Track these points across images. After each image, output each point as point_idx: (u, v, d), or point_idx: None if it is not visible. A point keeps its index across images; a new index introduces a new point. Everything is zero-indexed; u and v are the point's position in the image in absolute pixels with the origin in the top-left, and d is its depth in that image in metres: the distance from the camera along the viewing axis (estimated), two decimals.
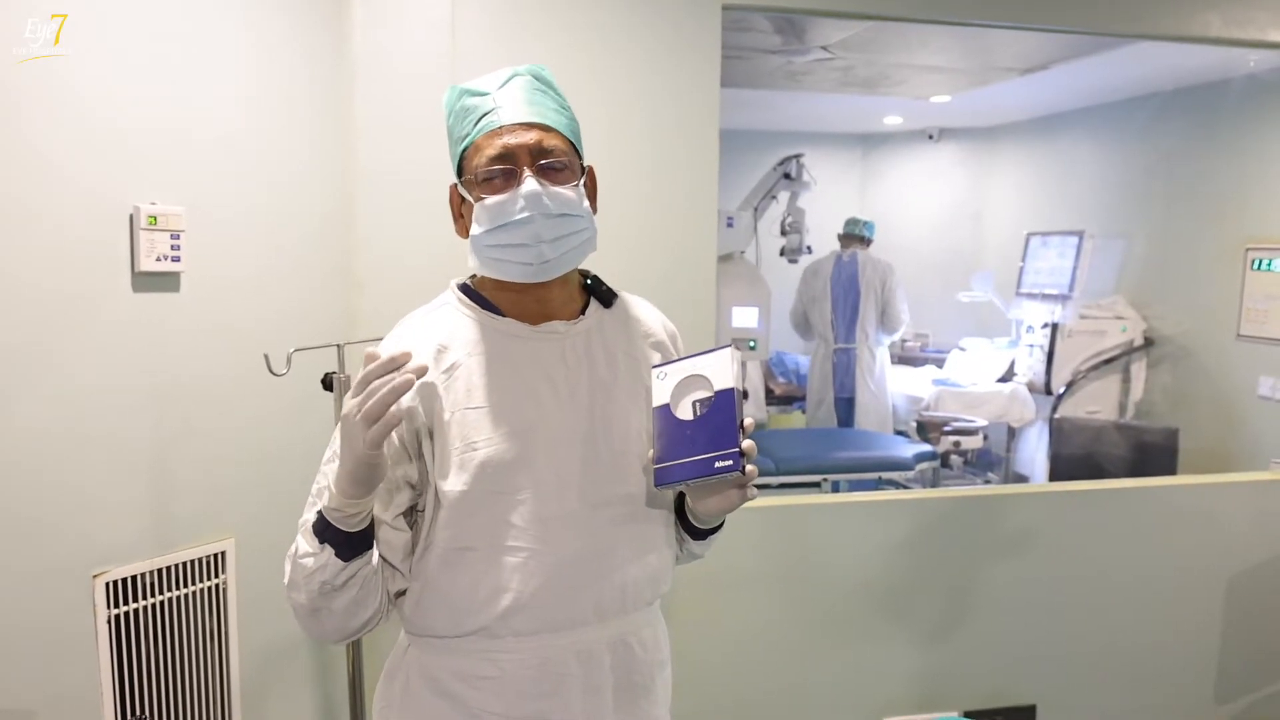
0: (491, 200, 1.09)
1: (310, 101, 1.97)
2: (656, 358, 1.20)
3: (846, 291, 4.88)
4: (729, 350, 1.09)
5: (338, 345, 1.88)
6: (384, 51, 2.04)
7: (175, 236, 1.70)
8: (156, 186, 1.68)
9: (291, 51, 1.93)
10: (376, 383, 0.96)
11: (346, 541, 1.03)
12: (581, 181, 1.13)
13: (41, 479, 1.56)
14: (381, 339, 1.16)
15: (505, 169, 1.08)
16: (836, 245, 5.05)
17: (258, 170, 1.87)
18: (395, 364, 0.97)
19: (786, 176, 4.35)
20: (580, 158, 1.15)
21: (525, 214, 1.07)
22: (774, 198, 4.40)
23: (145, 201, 1.66)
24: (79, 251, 1.59)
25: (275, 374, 1.74)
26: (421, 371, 0.99)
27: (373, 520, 1.06)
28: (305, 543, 1.05)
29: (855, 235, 5.01)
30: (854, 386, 4.87)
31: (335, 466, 1.03)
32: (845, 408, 4.89)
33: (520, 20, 2.11)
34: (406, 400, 1.01)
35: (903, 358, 5.77)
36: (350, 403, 0.98)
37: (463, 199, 1.14)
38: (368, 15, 2.03)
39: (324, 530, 1.02)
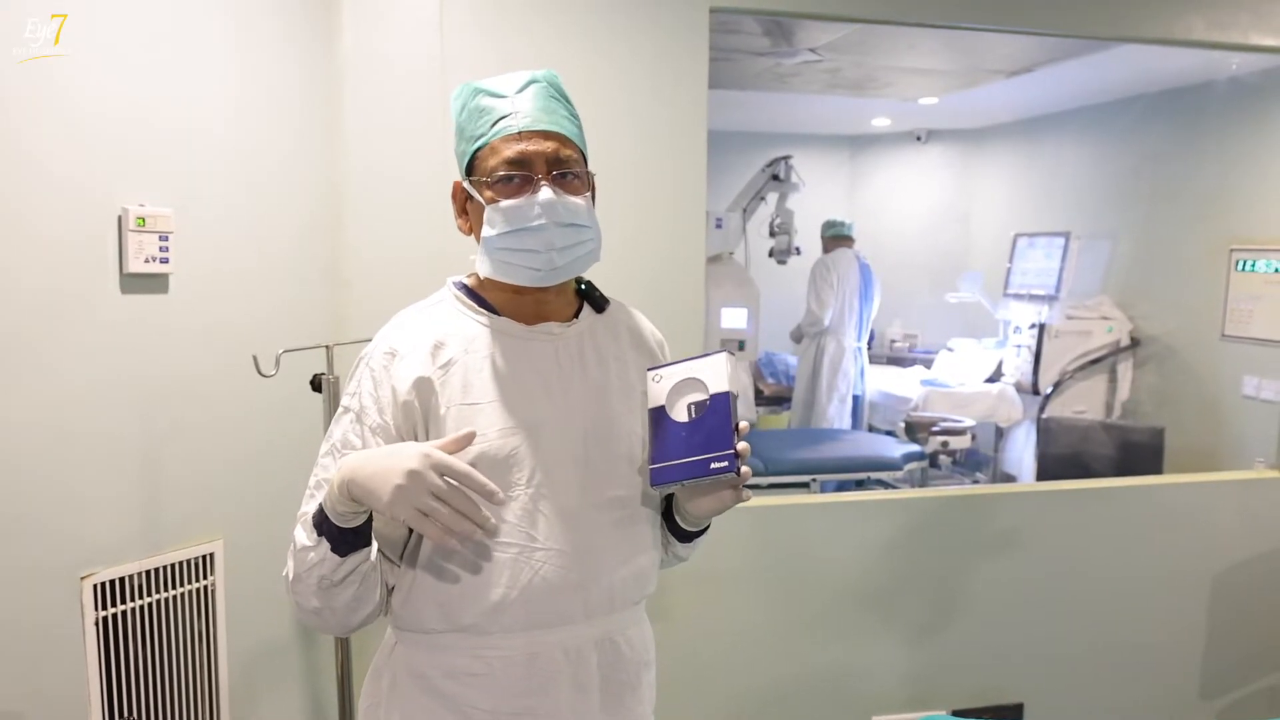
0: (507, 204, 1.10)
1: (299, 102, 1.97)
2: (645, 364, 1.21)
3: (866, 293, 5.01)
4: (724, 355, 1.12)
5: (326, 346, 1.87)
6: (373, 52, 2.04)
7: (164, 238, 1.69)
8: (145, 188, 1.68)
9: (281, 52, 1.92)
10: (455, 495, 0.96)
11: (340, 537, 1.03)
12: (590, 192, 1.15)
13: (29, 480, 1.56)
14: (371, 339, 1.17)
15: (521, 174, 1.10)
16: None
17: (246, 171, 1.86)
18: (478, 487, 0.97)
19: (775, 178, 4.38)
20: (587, 167, 1.17)
21: (541, 221, 1.09)
22: (762, 199, 4.42)
23: (134, 203, 1.65)
24: (67, 252, 1.59)
25: (264, 375, 1.74)
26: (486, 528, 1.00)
27: (370, 519, 1.06)
28: (304, 534, 1.05)
29: (848, 235, 5.06)
30: (863, 385, 5.05)
31: (332, 466, 1.03)
32: (853, 405, 5.03)
33: (508, 21, 2.11)
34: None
35: (891, 358, 5.81)
36: (423, 472, 0.95)
37: (468, 196, 1.15)
38: (356, 16, 2.03)
39: (322, 523, 1.03)
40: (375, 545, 1.09)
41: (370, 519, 1.06)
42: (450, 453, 0.99)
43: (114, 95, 1.62)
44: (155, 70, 1.69)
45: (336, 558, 1.03)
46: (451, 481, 0.97)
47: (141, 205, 1.66)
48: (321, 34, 2.01)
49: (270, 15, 1.89)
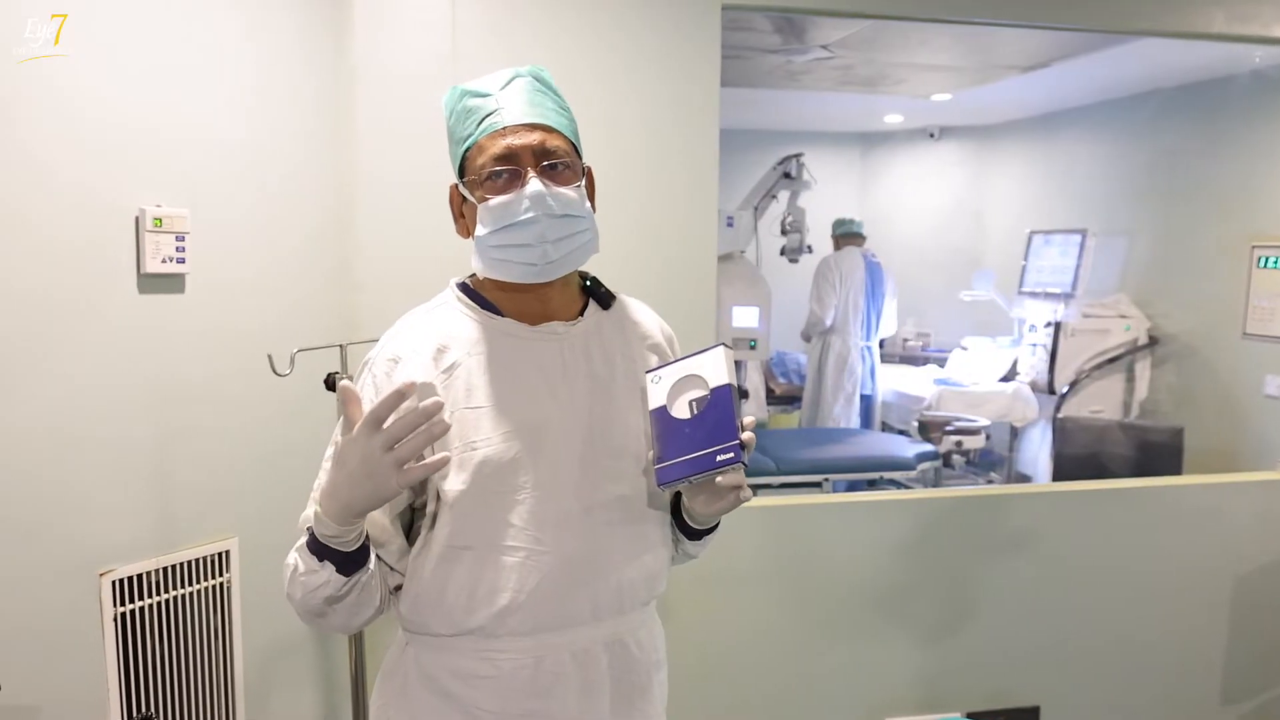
0: (495, 201, 1.09)
1: (311, 104, 1.98)
2: (653, 359, 1.20)
3: (874, 291, 4.98)
4: (721, 349, 1.10)
5: (340, 345, 1.88)
6: (384, 53, 2.05)
7: (180, 238, 1.70)
8: (161, 189, 1.69)
9: (293, 54, 1.93)
10: (401, 424, 0.93)
11: (347, 559, 1.03)
12: (582, 182, 1.14)
13: (49, 479, 1.57)
14: (378, 339, 1.16)
15: (509, 169, 1.09)
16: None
17: (260, 172, 1.87)
18: (403, 396, 0.94)
19: (786, 176, 4.37)
20: (580, 158, 1.16)
21: (530, 214, 1.08)
22: (774, 197, 4.41)
23: (151, 204, 1.67)
24: (85, 253, 1.60)
25: (279, 374, 1.75)
26: (438, 407, 0.95)
27: (367, 538, 1.06)
28: (304, 561, 1.04)
29: (858, 234, 5.05)
30: (874, 384, 5.03)
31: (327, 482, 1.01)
32: (864, 405, 5.01)
33: (519, 20, 2.11)
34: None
35: (904, 357, 5.79)
36: (368, 441, 0.94)
37: (464, 199, 1.15)
38: (368, 17, 2.03)
39: (322, 550, 1.02)
40: (373, 553, 1.08)
41: (368, 538, 1.05)
42: (386, 410, 0.95)
43: (127, 97, 1.63)
44: (168, 72, 1.70)
45: (343, 578, 1.03)
46: (385, 425, 0.94)
47: (158, 206, 1.67)
48: (333, 35, 2.02)
49: (282, 17, 1.90)
